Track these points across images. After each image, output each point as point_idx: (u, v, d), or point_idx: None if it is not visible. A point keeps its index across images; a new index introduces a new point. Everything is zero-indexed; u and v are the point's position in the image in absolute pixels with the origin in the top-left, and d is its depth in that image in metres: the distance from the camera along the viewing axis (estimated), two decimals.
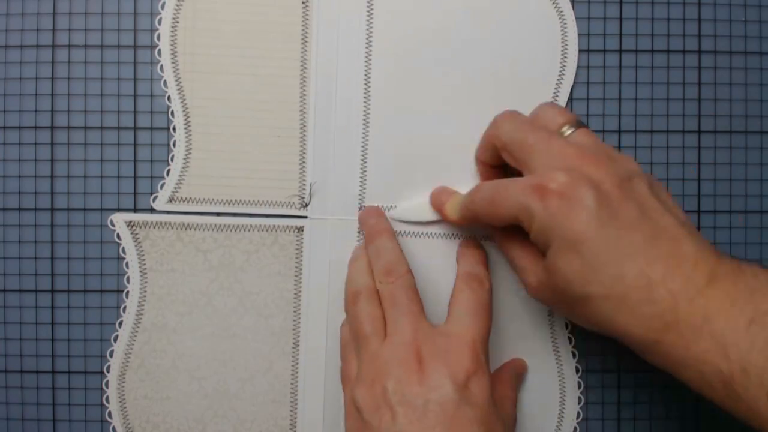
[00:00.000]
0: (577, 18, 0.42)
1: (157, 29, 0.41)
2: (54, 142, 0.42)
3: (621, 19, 0.42)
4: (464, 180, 0.42)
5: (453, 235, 0.42)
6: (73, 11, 0.42)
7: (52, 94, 0.42)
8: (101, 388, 0.42)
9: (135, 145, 0.42)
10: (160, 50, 0.41)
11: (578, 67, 0.42)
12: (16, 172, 0.42)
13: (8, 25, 0.42)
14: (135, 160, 0.42)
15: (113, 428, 0.42)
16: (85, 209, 0.42)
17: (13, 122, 0.42)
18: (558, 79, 0.42)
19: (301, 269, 0.42)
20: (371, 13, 0.42)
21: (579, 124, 0.35)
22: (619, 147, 0.42)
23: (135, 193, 0.42)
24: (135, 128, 0.42)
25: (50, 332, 0.42)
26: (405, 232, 0.42)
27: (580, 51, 0.42)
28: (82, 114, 0.42)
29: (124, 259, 0.42)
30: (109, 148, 0.42)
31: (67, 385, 0.42)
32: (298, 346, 0.42)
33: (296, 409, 0.42)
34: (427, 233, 0.42)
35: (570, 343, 0.42)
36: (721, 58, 0.42)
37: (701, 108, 0.42)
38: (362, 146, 0.42)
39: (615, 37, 0.42)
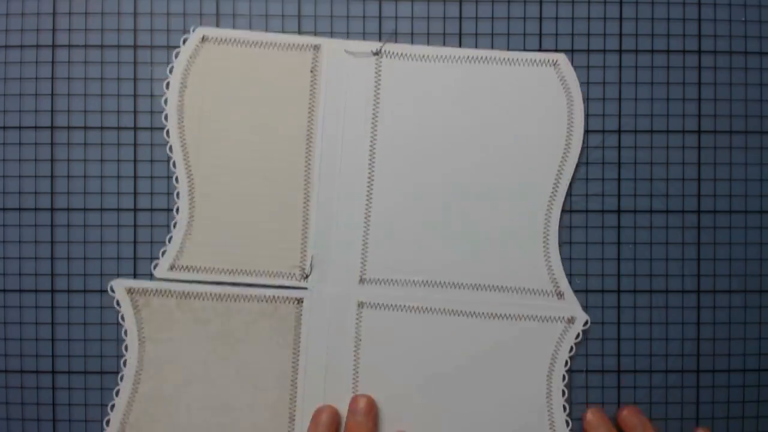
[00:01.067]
0: (576, 18, 0.42)
1: (164, 94, 0.41)
2: (54, 142, 0.42)
3: (621, 19, 0.42)
4: (466, 257, 0.42)
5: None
6: (73, 11, 0.42)
7: (52, 94, 0.42)
8: (101, 388, 0.42)
9: (135, 145, 0.42)
10: (166, 115, 0.41)
11: (578, 67, 0.42)
12: (16, 172, 0.42)
13: (8, 25, 0.42)
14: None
15: None
16: (85, 209, 0.42)
17: (13, 122, 0.42)
18: (563, 157, 0.42)
19: (299, 341, 0.41)
20: (378, 86, 0.42)
21: None
22: (619, 147, 0.42)
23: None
24: (135, 128, 0.42)
25: (50, 332, 0.42)
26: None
27: (581, 51, 0.42)
28: (82, 114, 0.42)
29: (122, 325, 0.42)
30: (109, 148, 0.42)
31: (67, 385, 0.42)
32: (294, 420, 0.41)
33: None
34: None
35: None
36: (721, 58, 0.42)
37: (701, 108, 0.42)
38: (365, 219, 0.41)
39: (615, 37, 0.42)
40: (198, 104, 0.41)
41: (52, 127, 0.42)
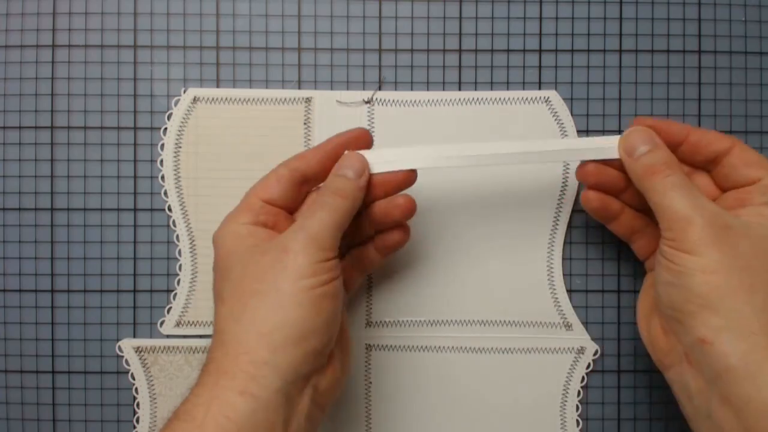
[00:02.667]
0: (576, 18, 0.42)
1: (160, 155, 0.42)
2: (54, 142, 0.42)
3: (621, 19, 0.42)
4: (471, 294, 0.42)
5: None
6: (73, 11, 0.42)
7: (52, 94, 0.42)
8: (101, 388, 0.42)
9: (135, 145, 0.42)
10: (163, 176, 0.42)
11: (578, 67, 0.42)
12: (16, 172, 0.42)
13: (8, 25, 0.42)
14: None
15: None
16: (85, 209, 0.42)
17: (13, 122, 0.42)
18: (561, 189, 0.42)
19: None
20: (372, 131, 0.42)
21: None
22: None
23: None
24: (135, 128, 0.42)
25: (50, 332, 0.42)
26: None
27: (581, 51, 0.42)
28: (82, 114, 0.42)
29: (133, 384, 0.42)
30: (109, 148, 0.42)
31: (67, 385, 0.42)
32: None
33: None
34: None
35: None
36: (721, 58, 0.42)
37: (701, 108, 0.42)
38: None
39: (615, 37, 0.42)
40: (193, 163, 0.41)
41: (52, 127, 0.42)
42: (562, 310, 0.42)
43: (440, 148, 0.36)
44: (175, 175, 0.41)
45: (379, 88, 0.42)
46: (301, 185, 0.36)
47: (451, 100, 0.42)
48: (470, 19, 0.42)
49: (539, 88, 0.42)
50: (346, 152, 0.36)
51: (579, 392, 0.42)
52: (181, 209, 0.41)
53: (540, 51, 0.42)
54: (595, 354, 0.42)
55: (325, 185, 0.35)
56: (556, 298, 0.42)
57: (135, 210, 0.42)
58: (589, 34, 0.42)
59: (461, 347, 0.42)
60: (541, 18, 0.42)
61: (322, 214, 0.33)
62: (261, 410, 0.29)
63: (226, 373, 0.30)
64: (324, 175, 0.36)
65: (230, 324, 0.31)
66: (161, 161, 0.42)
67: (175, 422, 0.29)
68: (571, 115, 0.42)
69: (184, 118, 0.41)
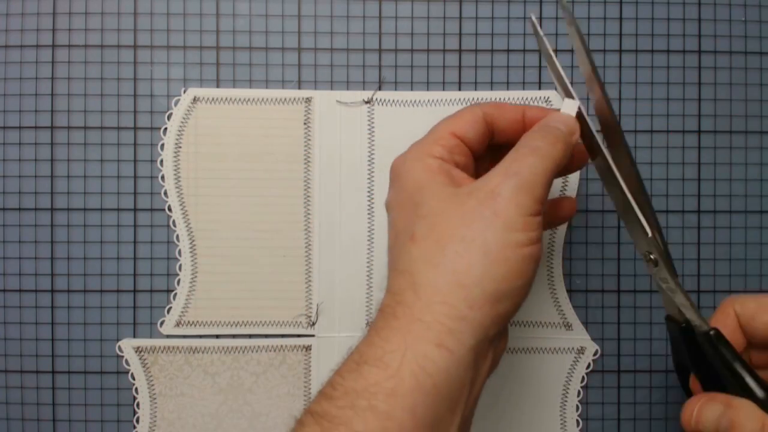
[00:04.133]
0: (577, 18, 0.42)
1: (160, 155, 0.42)
2: (54, 142, 0.42)
3: (621, 19, 0.42)
4: None
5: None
6: (73, 11, 0.42)
7: (52, 94, 0.42)
8: (101, 388, 0.42)
9: (135, 145, 0.42)
10: (163, 176, 0.41)
11: (578, 67, 0.42)
12: (16, 172, 0.42)
13: (8, 25, 0.42)
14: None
15: None
16: (85, 209, 0.42)
17: (13, 122, 0.42)
18: (561, 191, 0.42)
19: (309, 389, 0.42)
20: (372, 131, 0.42)
21: None
22: None
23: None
24: (135, 128, 0.42)
25: (50, 332, 0.42)
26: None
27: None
28: (82, 114, 0.42)
29: (133, 384, 0.42)
30: (109, 148, 0.42)
31: (67, 385, 0.42)
32: None
33: None
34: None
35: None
36: (721, 58, 0.42)
37: (701, 108, 0.42)
38: (367, 262, 0.42)
39: (615, 37, 0.42)
40: (193, 164, 0.41)
41: (52, 127, 0.42)
42: (562, 310, 0.42)
43: None
44: (175, 175, 0.41)
45: (379, 88, 0.42)
46: (488, 134, 0.33)
47: (451, 100, 0.42)
48: (470, 19, 0.42)
49: (539, 88, 0.42)
50: (553, 112, 0.32)
51: (579, 392, 0.42)
52: (181, 209, 0.41)
53: (540, 51, 0.42)
54: (595, 354, 0.42)
55: (535, 129, 0.31)
56: (556, 298, 0.42)
57: (135, 210, 0.42)
58: (589, 34, 0.42)
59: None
60: (541, 18, 0.42)
61: (534, 160, 0.29)
62: (455, 366, 0.27)
63: (420, 320, 0.27)
64: (513, 136, 0.32)
65: (425, 267, 0.28)
66: (161, 161, 0.42)
67: (364, 366, 0.27)
68: None
69: (184, 118, 0.41)
